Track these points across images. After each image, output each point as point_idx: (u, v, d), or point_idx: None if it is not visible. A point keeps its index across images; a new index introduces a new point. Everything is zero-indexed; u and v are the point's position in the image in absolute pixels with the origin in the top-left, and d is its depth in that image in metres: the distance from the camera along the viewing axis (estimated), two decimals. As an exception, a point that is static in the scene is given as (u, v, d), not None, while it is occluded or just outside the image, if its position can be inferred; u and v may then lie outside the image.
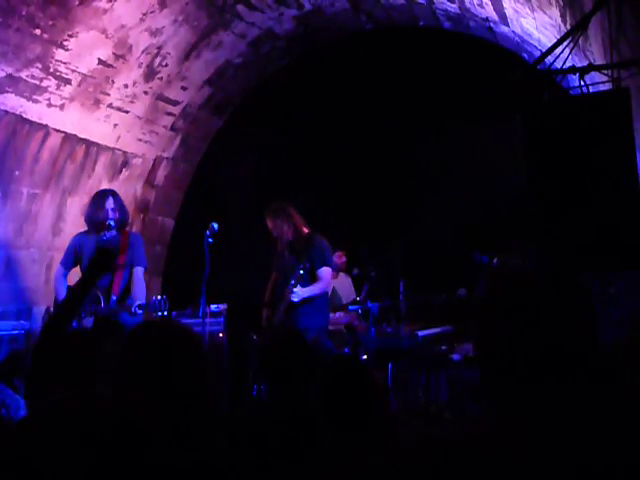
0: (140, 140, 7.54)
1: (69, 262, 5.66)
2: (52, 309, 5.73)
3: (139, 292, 5.43)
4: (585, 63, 4.37)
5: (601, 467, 1.12)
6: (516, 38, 6.56)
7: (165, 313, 5.20)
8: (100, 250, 3.34)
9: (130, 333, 1.84)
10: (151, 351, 1.69)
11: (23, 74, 5.83)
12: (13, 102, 5.93)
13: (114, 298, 5.38)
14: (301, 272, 5.48)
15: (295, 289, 5.46)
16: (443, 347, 6.14)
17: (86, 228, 5.69)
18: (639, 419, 1.26)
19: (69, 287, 5.60)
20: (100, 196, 5.66)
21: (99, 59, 6.37)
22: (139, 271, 5.53)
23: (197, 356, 1.73)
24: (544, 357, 1.27)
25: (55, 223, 6.86)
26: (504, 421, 1.27)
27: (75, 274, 5.71)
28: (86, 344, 2.72)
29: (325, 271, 5.67)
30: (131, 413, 1.14)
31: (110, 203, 5.52)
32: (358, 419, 2.48)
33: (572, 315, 1.31)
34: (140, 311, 5.22)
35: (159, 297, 5.23)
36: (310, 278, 5.62)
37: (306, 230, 5.77)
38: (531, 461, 1.13)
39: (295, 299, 5.47)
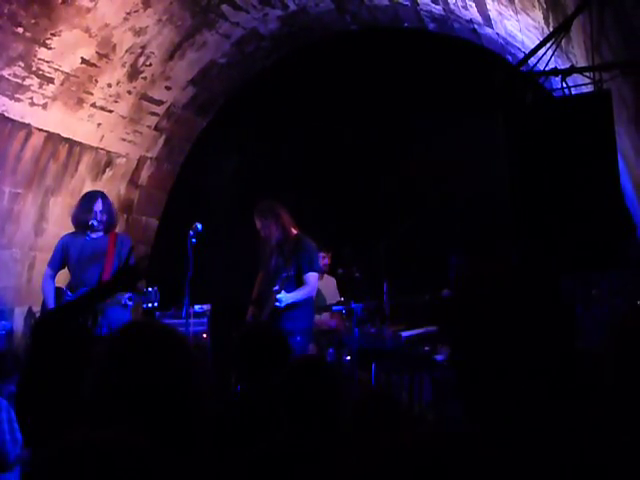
0: (124, 140, 7.51)
1: (56, 263, 5.63)
2: (40, 311, 5.70)
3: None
4: (567, 65, 4.40)
5: (574, 470, 1.12)
6: (500, 40, 6.59)
7: (156, 304, 5.19)
8: (124, 268, 3.32)
9: (114, 335, 1.83)
10: (137, 353, 1.68)
11: (5, 73, 5.79)
12: (-5, 101, 5.89)
13: None
14: (285, 276, 5.44)
15: (279, 295, 5.38)
16: (426, 348, 6.15)
17: (71, 229, 5.67)
18: (619, 424, 1.26)
19: (57, 288, 5.58)
20: (88, 198, 5.64)
21: (82, 58, 6.33)
22: None
23: (184, 356, 1.72)
24: (518, 359, 1.26)
25: (37, 223, 6.81)
26: (482, 423, 1.26)
27: (63, 274, 5.68)
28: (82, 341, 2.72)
29: (312, 276, 5.59)
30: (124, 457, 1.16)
31: (98, 205, 5.51)
32: (321, 419, 2.48)
33: (548, 317, 1.29)
34: (130, 303, 5.20)
35: (149, 288, 5.22)
36: (296, 282, 5.54)
37: (295, 231, 5.67)
38: (506, 464, 1.13)
39: (279, 305, 5.40)
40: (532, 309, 1.29)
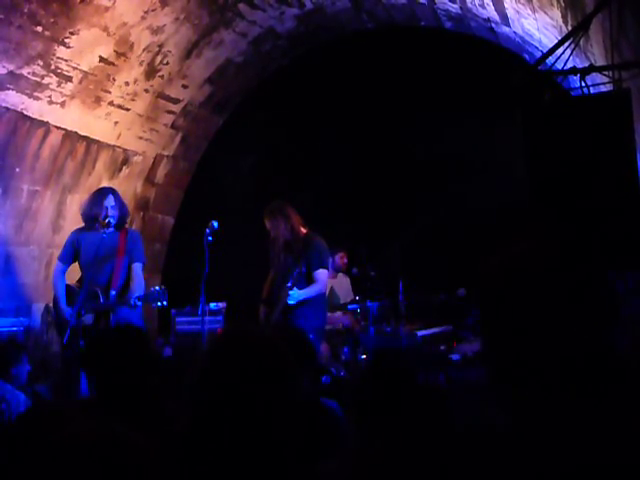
0: (140, 138, 7.54)
1: (67, 258, 5.65)
2: (52, 305, 5.74)
3: (137, 287, 5.44)
4: (586, 64, 4.38)
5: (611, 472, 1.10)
6: (517, 39, 6.56)
7: (165, 303, 5.23)
8: None
9: (212, 346, 1.79)
10: (239, 365, 1.66)
11: (24, 71, 5.83)
12: (14, 99, 5.93)
13: (113, 293, 5.39)
14: (297, 273, 5.47)
15: (291, 291, 5.44)
16: (442, 347, 6.15)
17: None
18: None
19: (68, 286, 5.60)
20: (100, 193, 5.65)
21: (100, 57, 6.36)
22: (137, 267, 5.54)
23: (283, 364, 1.71)
24: (551, 357, 1.20)
25: (55, 220, 6.85)
26: (517, 424, 1.22)
27: (74, 271, 5.71)
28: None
29: (321, 273, 5.64)
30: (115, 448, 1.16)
31: (110, 201, 5.51)
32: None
33: (584, 311, 1.22)
34: (139, 303, 5.24)
35: (157, 287, 5.26)
36: (306, 280, 5.60)
37: (304, 230, 5.73)
38: (542, 464, 1.12)
39: (291, 301, 5.46)
40: (565, 299, 1.22)
